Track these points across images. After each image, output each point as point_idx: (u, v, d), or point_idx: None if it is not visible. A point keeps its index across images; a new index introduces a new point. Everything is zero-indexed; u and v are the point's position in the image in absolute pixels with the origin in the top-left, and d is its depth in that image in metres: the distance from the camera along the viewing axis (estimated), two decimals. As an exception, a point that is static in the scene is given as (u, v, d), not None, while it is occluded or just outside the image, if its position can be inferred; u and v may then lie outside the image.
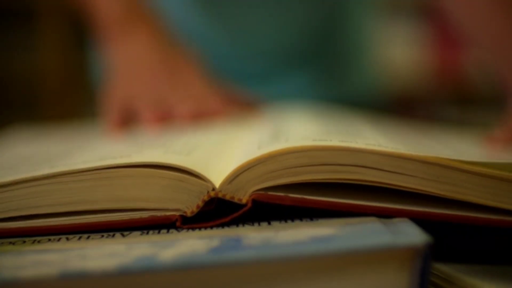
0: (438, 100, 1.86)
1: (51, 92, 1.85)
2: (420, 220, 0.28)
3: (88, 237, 0.30)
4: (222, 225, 0.30)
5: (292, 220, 0.30)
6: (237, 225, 0.30)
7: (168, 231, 0.30)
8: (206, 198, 0.30)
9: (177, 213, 0.30)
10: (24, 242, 0.29)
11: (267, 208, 0.30)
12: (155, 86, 0.55)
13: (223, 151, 0.37)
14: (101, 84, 0.76)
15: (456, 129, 0.58)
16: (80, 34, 1.66)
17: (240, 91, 0.63)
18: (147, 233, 0.30)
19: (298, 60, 0.78)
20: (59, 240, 0.29)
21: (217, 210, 0.31)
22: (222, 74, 0.64)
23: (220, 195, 0.30)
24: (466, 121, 1.56)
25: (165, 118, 0.50)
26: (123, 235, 0.30)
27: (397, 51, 1.83)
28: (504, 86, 0.56)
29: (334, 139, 0.32)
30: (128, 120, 0.52)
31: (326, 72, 0.79)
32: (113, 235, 0.30)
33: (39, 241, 0.29)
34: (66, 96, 1.85)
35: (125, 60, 0.59)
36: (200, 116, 0.50)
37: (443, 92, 1.86)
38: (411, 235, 0.26)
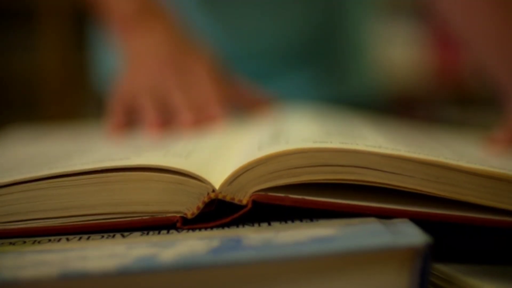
0: (438, 100, 1.87)
1: (51, 92, 1.85)
2: (420, 221, 0.28)
3: (88, 238, 0.30)
4: (222, 226, 0.30)
5: (292, 220, 0.30)
6: (237, 226, 0.30)
7: (168, 232, 0.30)
8: (206, 199, 0.30)
9: (178, 215, 0.30)
10: (24, 242, 0.29)
11: (267, 208, 0.30)
12: (160, 80, 0.55)
13: (223, 153, 0.37)
14: (107, 81, 0.77)
15: (456, 130, 0.58)
16: (80, 34, 1.66)
17: (253, 88, 0.63)
18: (147, 233, 0.30)
19: (297, 60, 0.78)
20: (59, 240, 0.30)
21: (218, 211, 0.31)
22: (236, 72, 0.64)
23: (220, 196, 0.30)
24: (466, 122, 1.56)
25: (167, 124, 0.50)
26: (123, 236, 0.30)
27: (397, 51, 1.83)
28: (502, 88, 0.56)
29: (334, 140, 0.32)
30: (130, 121, 0.53)
31: (325, 72, 0.79)
32: (113, 236, 0.30)
33: (39, 242, 0.29)
34: (66, 96, 1.85)
35: (135, 54, 0.59)
36: (200, 123, 0.50)
37: (443, 92, 1.86)
38: (411, 235, 0.26)
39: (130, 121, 0.53)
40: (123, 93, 0.55)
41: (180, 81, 0.55)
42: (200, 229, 0.30)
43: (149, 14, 0.61)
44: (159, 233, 0.30)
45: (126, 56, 0.60)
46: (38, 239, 0.30)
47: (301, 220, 0.30)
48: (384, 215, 0.29)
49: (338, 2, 0.79)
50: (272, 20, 0.76)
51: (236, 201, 0.30)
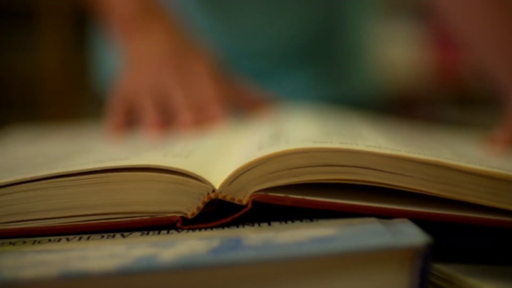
0: (438, 100, 1.86)
1: (51, 92, 1.85)
2: (420, 221, 0.28)
3: (88, 238, 0.30)
4: (222, 226, 0.30)
5: (292, 220, 0.30)
6: (237, 226, 0.30)
7: (168, 232, 0.30)
8: (206, 199, 0.30)
9: (178, 215, 0.30)
10: (24, 242, 0.29)
11: (267, 208, 0.30)
12: (160, 80, 0.55)
13: (223, 153, 0.37)
14: (107, 81, 0.77)
15: (456, 130, 0.58)
16: (80, 34, 1.66)
17: (253, 88, 0.63)
18: (147, 233, 0.30)
19: (297, 60, 0.78)
20: (59, 240, 0.30)
21: (218, 211, 0.31)
22: (236, 72, 0.64)
23: (220, 196, 0.30)
24: (466, 122, 1.56)
25: (167, 124, 0.50)
26: (123, 236, 0.30)
27: (397, 51, 1.83)
28: (502, 88, 0.56)
29: (334, 140, 0.32)
30: (130, 121, 0.53)
31: (325, 72, 0.79)
32: (113, 236, 0.30)
33: (39, 242, 0.29)
34: (66, 96, 1.85)
35: (135, 55, 0.59)
36: (201, 123, 0.50)
37: (443, 92, 1.86)
38: (411, 235, 0.26)
39: (130, 121, 0.53)
40: (123, 93, 0.55)
41: (180, 81, 0.55)
42: (200, 229, 0.30)
43: (150, 15, 0.61)
44: (159, 233, 0.30)
45: (126, 56, 0.60)
46: (38, 239, 0.30)
47: (301, 220, 0.30)
48: (384, 215, 0.29)
49: (338, 2, 0.79)
50: (272, 20, 0.76)
51: (236, 201, 0.30)
